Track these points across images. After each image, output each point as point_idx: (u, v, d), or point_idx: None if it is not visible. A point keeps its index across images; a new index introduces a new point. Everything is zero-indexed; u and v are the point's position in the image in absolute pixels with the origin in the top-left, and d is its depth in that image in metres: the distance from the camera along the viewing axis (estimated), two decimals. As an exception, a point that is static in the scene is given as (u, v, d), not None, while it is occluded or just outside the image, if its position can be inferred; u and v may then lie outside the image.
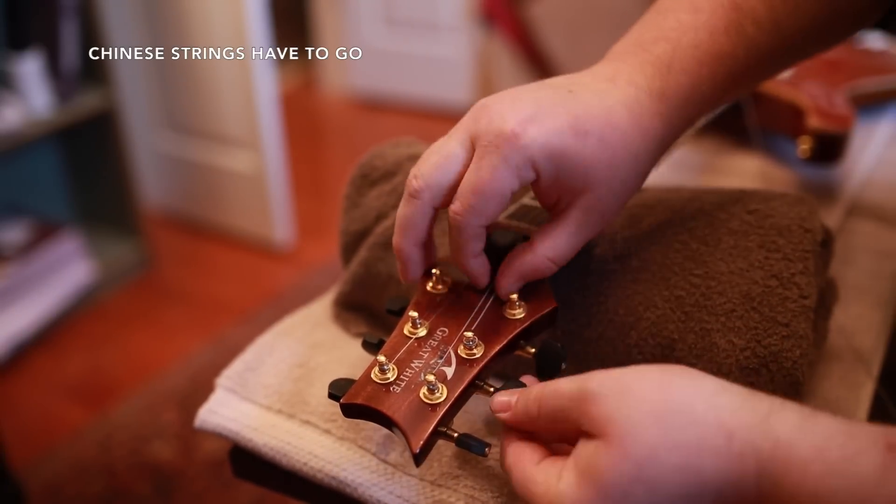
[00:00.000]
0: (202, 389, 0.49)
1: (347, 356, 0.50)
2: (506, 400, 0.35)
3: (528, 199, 0.47)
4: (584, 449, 0.31)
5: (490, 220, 0.38)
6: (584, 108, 0.37)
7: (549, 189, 0.38)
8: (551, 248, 0.39)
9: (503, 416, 0.35)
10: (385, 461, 0.43)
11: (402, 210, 0.39)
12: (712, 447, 0.29)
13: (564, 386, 0.33)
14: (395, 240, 0.40)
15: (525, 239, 0.41)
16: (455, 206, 0.37)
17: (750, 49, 0.42)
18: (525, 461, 0.34)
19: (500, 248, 0.42)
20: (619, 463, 0.30)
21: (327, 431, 0.45)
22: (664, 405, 0.30)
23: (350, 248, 0.52)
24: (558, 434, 0.34)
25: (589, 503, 0.30)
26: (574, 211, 0.39)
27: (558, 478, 0.32)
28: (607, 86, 0.39)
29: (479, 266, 0.40)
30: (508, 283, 0.39)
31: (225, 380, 0.49)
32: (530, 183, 0.38)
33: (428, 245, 0.40)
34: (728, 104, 0.46)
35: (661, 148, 0.41)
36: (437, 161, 0.38)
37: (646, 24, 0.43)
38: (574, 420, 0.32)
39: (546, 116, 0.37)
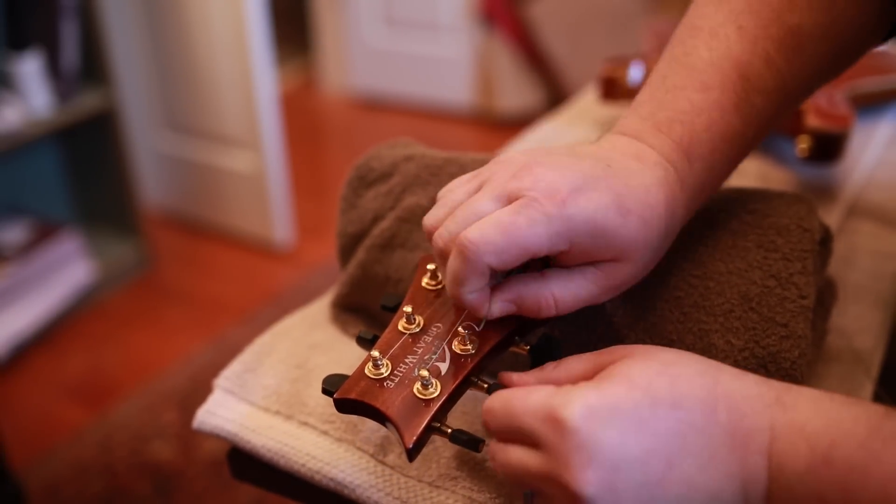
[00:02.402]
0: (202, 389, 0.49)
1: (345, 357, 0.50)
2: (517, 374, 0.37)
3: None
4: (606, 369, 0.34)
5: (501, 267, 0.35)
6: (625, 186, 0.37)
7: (580, 257, 0.37)
8: (562, 287, 0.37)
9: (515, 379, 0.36)
10: (383, 462, 0.43)
11: (448, 267, 0.36)
12: (730, 370, 0.34)
13: (584, 354, 0.36)
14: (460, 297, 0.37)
15: None
16: (472, 235, 0.34)
17: (760, 122, 0.41)
18: (520, 387, 0.35)
19: None
20: (645, 361, 0.33)
21: (325, 433, 0.45)
22: (682, 351, 0.35)
23: (347, 249, 0.52)
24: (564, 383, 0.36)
25: (611, 392, 0.31)
26: (594, 269, 0.37)
27: (569, 387, 0.33)
28: (638, 165, 0.38)
29: (476, 300, 0.36)
30: (501, 303, 0.37)
31: (223, 381, 0.49)
32: (555, 254, 0.36)
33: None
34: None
35: (678, 228, 0.40)
36: (466, 218, 0.36)
37: (656, 100, 0.41)
38: (593, 360, 0.35)
39: (592, 190, 0.35)
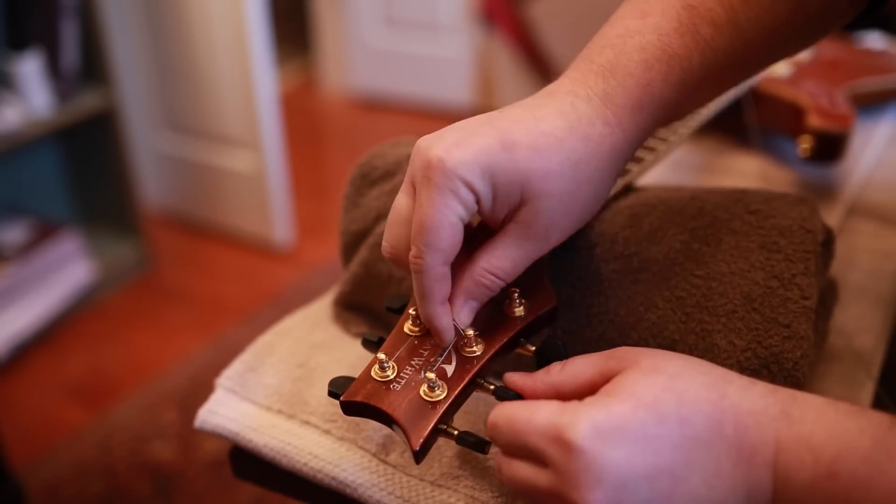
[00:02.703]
0: (202, 389, 0.49)
1: (347, 356, 0.50)
2: (521, 374, 0.37)
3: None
4: (611, 382, 0.33)
5: (448, 256, 0.36)
6: (511, 122, 0.36)
7: (494, 210, 0.37)
8: (488, 260, 0.37)
9: (520, 381, 0.36)
10: (385, 461, 0.43)
11: (415, 290, 0.38)
12: (737, 382, 0.33)
13: (590, 356, 0.36)
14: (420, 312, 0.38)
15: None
16: (412, 253, 0.36)
17: (706, 51, 0.39)
18: (527, 401, 0.35)
19: None
20: (651, 375, 0.32)
21: (327, 432, 0.45)
22: (689, 356, 0.35)
23: (350, 248, 0.52)
24: (570, 390, 0.35)
25: (617, 411, 0.31)
26: (512, 224, 0.37)
27: (576, 405, 0.32)
28: (544, 100, 0.38)
29: (444, 316, 0.37)
30: (460, 307, 0.37)
31: (225, 380, 0.49)
32: (475, 207, 0.36)
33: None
34: (700, 108, 0.44)
35: (614, 155, 0.38)
36: (391, 222, 0.38)
37: (595, 36, 0.41)
38: (599, 366, 0.35)
39: (471, 137, 0.36)
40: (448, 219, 0.35)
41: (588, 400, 0.32)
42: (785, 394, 0.33)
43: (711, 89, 0.43)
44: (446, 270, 0.36)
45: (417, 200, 0.36)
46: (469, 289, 0.37)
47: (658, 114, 0.39)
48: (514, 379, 0.37)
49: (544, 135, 0.36)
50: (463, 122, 0.37)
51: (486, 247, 0.38)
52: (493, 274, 0.37)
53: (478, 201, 0.36)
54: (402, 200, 0.37)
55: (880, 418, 0.31)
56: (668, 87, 0.39)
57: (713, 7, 0.40)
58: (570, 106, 0.37)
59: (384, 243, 0.39)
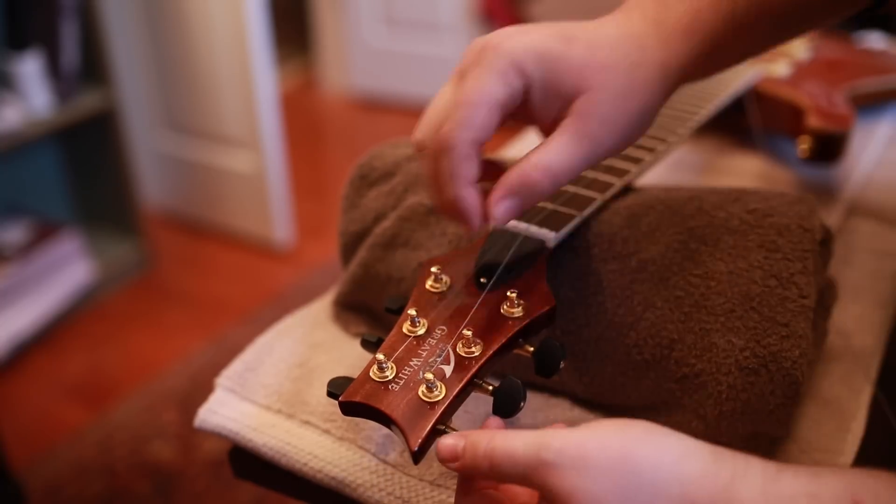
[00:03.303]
0: (202, 389, 0.49)
1: (347, 356, 0.50)
2: (452, 445, 0.33)
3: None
4: None
5: (481, 135, 0.35)
6: (571, 25, 0.38)
7: (542, 100, 0.36)
8: (545, 155, 0.36)
9: (452, 466, 0.33)
10: (384, 461, 0.43)
11: (422, 170, 0.39)
12: (696, 480, 0.29)
13: (519, 449, 0.31)
14: (431, 199, 0.39)
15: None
16: (443, 129, 0.35)
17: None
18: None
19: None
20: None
21: (327, 431, 0.45)
22: (626, 480, 0.29)
23: (349, 248, 0.52)
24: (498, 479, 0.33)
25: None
26: (570, 117, 0.36)
27: None
28: (599, 20, 0.39)
29: (471, 197, 0.36)
30: (497, 200, 0.36)
31: (225, 380, 0.49)
32: (521, 96, 0.36)
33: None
34: (736, 64, 0.45)
35: (664, 72, 0.38)
36: (427, 112, 0.38)
37: None
38: (531, 485, 0.31)
39: (530, 29, 0.37)
40: (488, 97, 0.35)
41: None
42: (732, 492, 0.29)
43: (752, 37, 0.43)
44: (474, 153, 0.35)
45: (462, 80, 0.36)
46: (513, 183, 0.36)
47: (705, 46, 0.40)
48: (447, 444, 0.33)
49: (603, 35, 0.37)
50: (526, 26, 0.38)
51: (539, 147, 0.36)
52: (548, 169, 0.35)
53: (529, 90, 0.36)
54: (443, 90, 0.37)
55: (844, 485, 0.28)
56: (717, 17, 0.40)
57: None
58: (626, 20, 0.39)
59: (415, 133, 0.38)
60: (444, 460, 0.33)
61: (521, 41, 0.35)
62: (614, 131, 0.37)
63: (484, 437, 0.32)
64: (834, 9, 0.45)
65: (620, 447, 0.30)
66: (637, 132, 0.39)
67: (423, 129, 0.37)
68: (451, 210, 0.37)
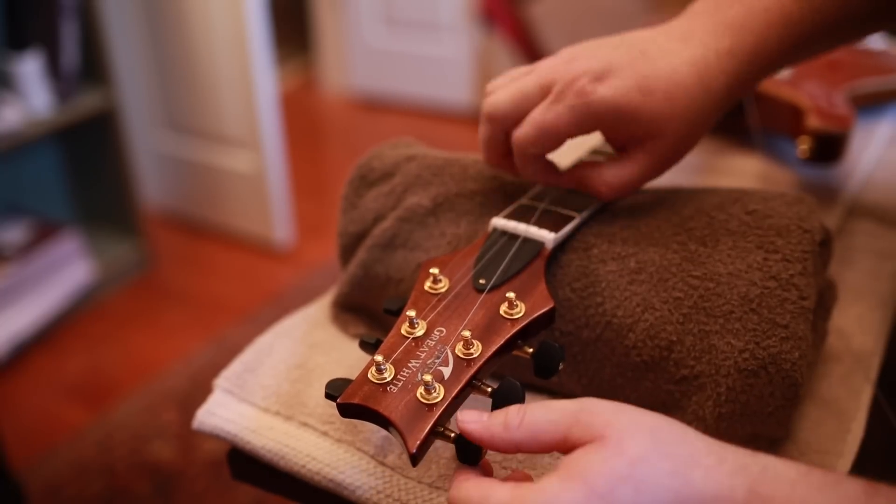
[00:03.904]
0: (202, 389, 0.49)
1: (346, 357, 0.50)
2: (477, 412, 0.34)
3: (525, 200, 0.47)
4: (572, 456, 0.31)
5: (547, 152, 0.45)
6: (653, 69, 0.43)
7: (615, 135, 0.45)
8: (613, 173, 0.45)
9: (473, 426, 0.33)
10: (383, 463, 0.43)
11: (481, 131, 0.46)
12: (704, 463, 0.30)
13: (558, 402, 0.33)
14: (483, 157, 0.48)
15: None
16: (519, 133, 0.44)
17: (815, 14, 0.45)
18: (482, 479, 0.33)
19: None
20: (611, 458, 0.30)
21: (325, 433, 0.45)
22: (658, 422, 0.31)
23: (348, 249, 0.52)
24: (531, 450, 0.33)
25: (570, 498, 0.29)
26: (639, 152, 0.44)
27: (532, 484, 0.31)
28: (679, 46, 0.44)
29: (537, 172, 0.47)
30: (566, 181, 0.47)
31: (223, 381, 0.49)
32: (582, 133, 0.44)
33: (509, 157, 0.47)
34: (785, 68, 0.50)
35: (725, 101, 0.45)
36: (513, 96, 0.44)
37: None
38: (562, 432, 0.32)
39: (615, 77, 0.42)
40: (561, 134, 0.43)
41: (541, 484, 0.30)
42: (756, 467, 0.30)
43: (808, 50, 0.48)
44: (542, 156, 0.46)
45: (548, 105, 0.43)
46: (581, 183, 0.46)
47: (766, 67, 0.46)
48: (470, 428, 0.34)
49: (677, 86, 0.43)
50: (612, 49, 0.44)
51: (611, 163, 0.45)
52: (609, 184, 0.45)
53: (603, 130, 0.44)
54: (531, 89, 0.44)
55: (856, 490, 0.29)
56: (781, 46, 0.45)
57: None
58: (702, 58, 0.44)
59: (493, 102, 0.45)
60: (464, 421, 0.34)
61: (607, 94, 0.42)
62: (675, 161, 0.46)
63: (516, 411, 0.33)
64: (885, 20, 0.49)
65: (654, 413, 0.33)
66: (691, 150, 0.46)
67: (498, 103, 0.45)
68: (492, 163, 0.48)
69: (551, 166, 0.48)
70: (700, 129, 0.45)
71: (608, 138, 0.46)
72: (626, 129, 0.43)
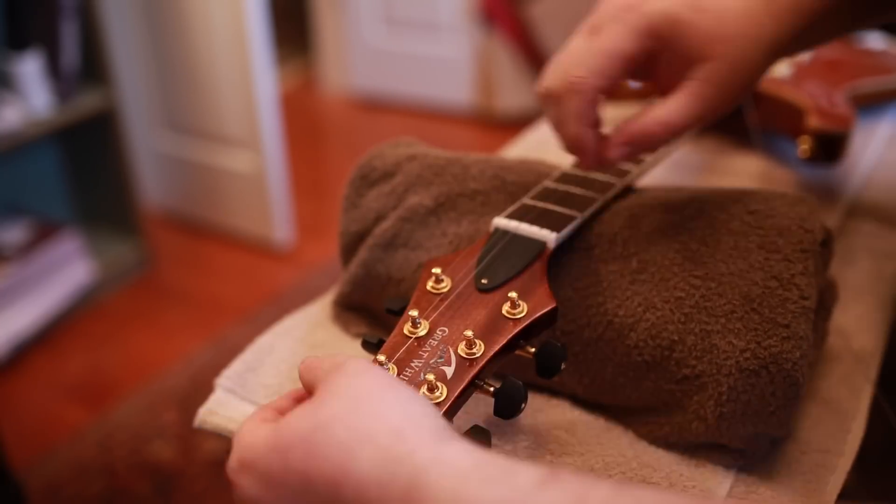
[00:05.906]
0: (202, 389, 0.49)
1: (347, 357, 0.50)
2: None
3: (527, 199, 0.47)
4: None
5: (608, 84, 0.41)
6: None
7: (668, 60, 0.42)
8: (666, 111, 0.41)
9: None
10: (385, 462, 0.43)
11: (547, 114, 0.43)
12: (377, 443, 0.29)
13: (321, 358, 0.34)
14: (558, 136, 0.44)
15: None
16: (579, 73, 0.41)
17: None
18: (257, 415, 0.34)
19: None
20: (304, 417, 0.31)
21: (327, 432, 0.45)
22: (365, 389, 0.31)
23: (349, 248, 0.52)
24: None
25: (251, 446, 0.31)
26: (693, 81, 0.41)
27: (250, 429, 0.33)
28: None
29: (591, 137, 0.42)
30: (617, 145, 0.42)
31: (224, 380, 0.49)
32: (649, 54, 0.41)
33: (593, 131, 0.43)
34: (818, 46, 0.50)
35: (772, 47, 0.43)
36: (559, 59, 0.42)
37: None
38: (308, 380, 0.34)
39: None
40: (622, 51, 0.40)
41: (258, 427, 0.33)
42: (421, 462, 0.28)
43: (840, 22, 0.47)
44: (599, 99, 0.41)
45: (604, 32, 0.41)
46: (633, 132, 0.42)
47: (805, 24, 0.43)
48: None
49: (727, 9, 0.41)
50: None
51: (661, 102, 0.42)
52: (664, 122, 0.41)
53: (657, 51, 0.41)
54: (576, 41, 0.42)
55: (529, 481, 0.27)
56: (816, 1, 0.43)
57: None
58: None
59: (544, 80, 0.42)
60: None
61: (658, 5, 0.40)
62: (727, 98, 0.42)
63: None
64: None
65: (376, 371, 0.33)
66: (741, 100, 0.44)
67: (550, 76, 0.42)
68: (572, 147, 0.43)
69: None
70: (751, 67, 0.42)
71: (660, 73, 0.43)
72: (679, 46, 0.41)
